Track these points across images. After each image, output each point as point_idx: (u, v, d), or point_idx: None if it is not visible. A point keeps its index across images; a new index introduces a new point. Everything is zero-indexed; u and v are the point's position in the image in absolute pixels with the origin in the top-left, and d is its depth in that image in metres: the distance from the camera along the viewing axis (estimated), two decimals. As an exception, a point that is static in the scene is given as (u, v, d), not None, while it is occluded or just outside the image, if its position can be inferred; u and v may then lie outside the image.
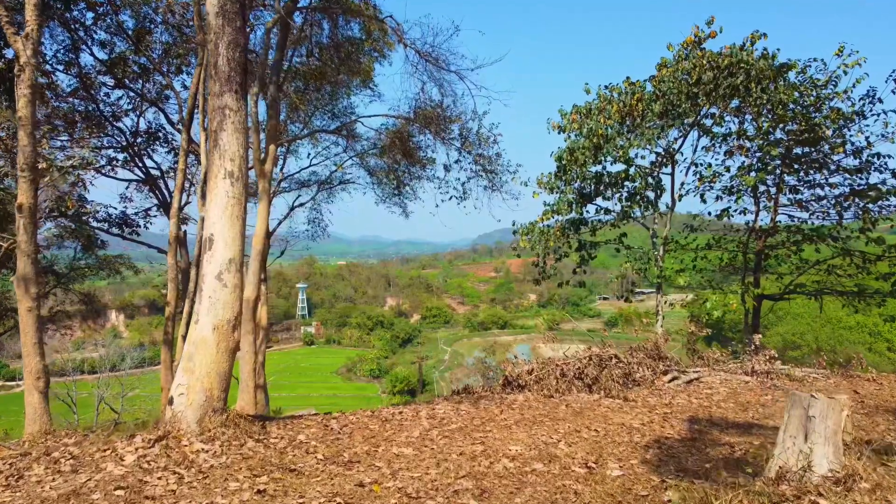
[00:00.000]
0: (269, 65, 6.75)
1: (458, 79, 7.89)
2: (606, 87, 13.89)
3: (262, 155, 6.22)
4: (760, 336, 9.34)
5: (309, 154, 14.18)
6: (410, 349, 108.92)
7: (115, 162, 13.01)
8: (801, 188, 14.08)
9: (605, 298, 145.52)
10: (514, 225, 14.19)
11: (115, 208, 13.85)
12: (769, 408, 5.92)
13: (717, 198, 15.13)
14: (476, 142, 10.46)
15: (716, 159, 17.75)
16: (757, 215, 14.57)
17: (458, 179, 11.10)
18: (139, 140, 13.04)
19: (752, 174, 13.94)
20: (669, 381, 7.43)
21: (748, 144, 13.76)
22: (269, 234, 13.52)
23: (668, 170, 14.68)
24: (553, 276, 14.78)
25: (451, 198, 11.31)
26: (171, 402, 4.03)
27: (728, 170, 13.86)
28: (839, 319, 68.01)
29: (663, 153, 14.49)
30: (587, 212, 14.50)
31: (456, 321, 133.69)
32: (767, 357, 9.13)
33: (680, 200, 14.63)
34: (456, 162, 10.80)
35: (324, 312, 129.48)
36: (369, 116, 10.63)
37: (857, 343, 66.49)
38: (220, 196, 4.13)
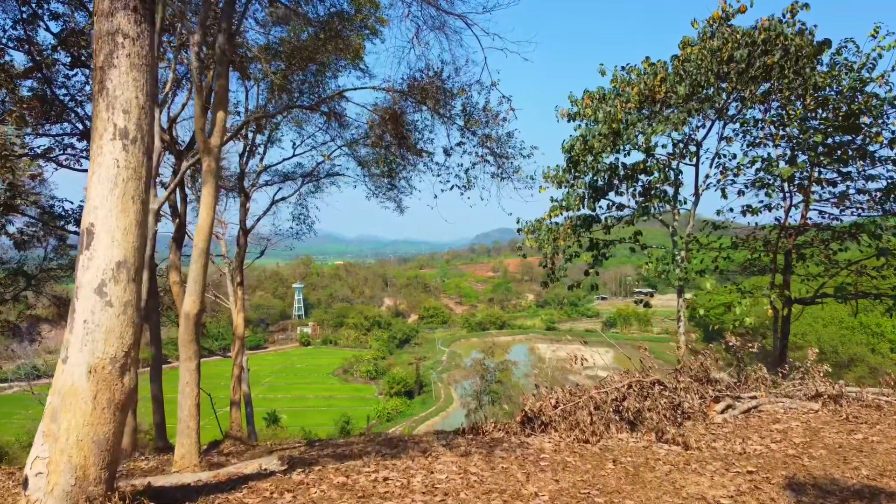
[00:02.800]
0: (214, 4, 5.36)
1: (463, 25, 6.42)
2: (623, 68, 12.49)
3: (208, 126, 4.80)
4: (816, 350, 7.91)
5: (294, 143, 12.78)
6: (408, 350, 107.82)
7: (69, 150, 11.52)
8: (839, 181, 12.70)
9: (603, 298, 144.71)
10: (518, 223, 12.78)
11: (72, 202, 12.37)
12: (872, 456, 4.51)
13: (740, 192, 13.77)
14: (483, 119, 8.96)
15: (741, 149, 16.36)
16: (788, 211, 13.21)
17: (461, 166, 9.58)
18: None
19: (783, 164, 12.59)
20: (723, 411, 6.03)
21: (782, 132, 12.38)
22: (246, 232, 12.12)
23: (689, 161, 13.31)
24: (563, 277, 13.35)
25: (452, 187, 9.81)
26: (25, 484, 2.59)
27: (758, 160, 12.45)
28: (841, 320, 67.03)
29: (683, 143, 13.14)
30: (600, 208, 13.11)
31: (454, 321, 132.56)
32: (823, 374, 7.76)
33: (702, 194, 13.26)
34: (458, 144, 9.30)
35: (320, 313, 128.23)
36: (355, 89, 9.17)
37: (859, 344, 65.46)
38: (105, 166, 2.71)
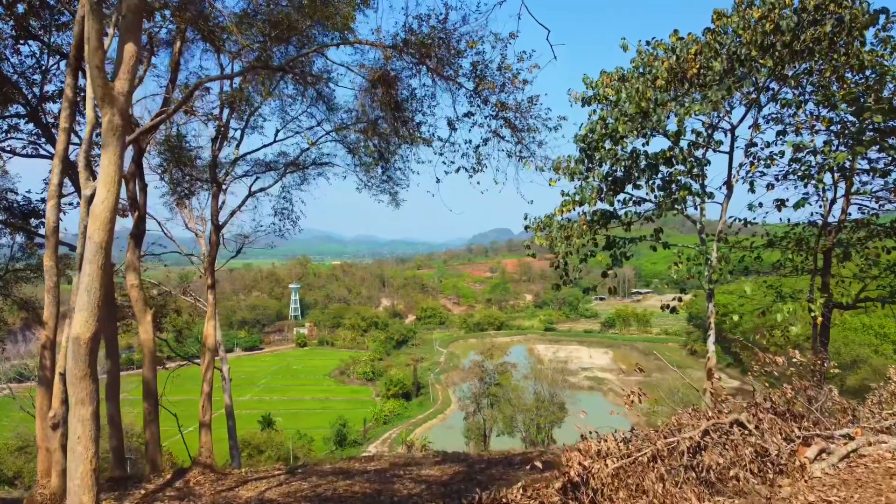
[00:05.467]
0: None
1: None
2: (649, 42, 11.09)
3: (113, 66, 3.38)
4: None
5: (276, 129, 11.26)
6: (405, 351, 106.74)
7: (12, 134, 10.00)
8: (892, 170, 11.33)
9: (601, 299, 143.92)
10: (526, 219, 11.36)
11: (17, 193, 10.86)
12: None
13: (769, 186, 12.40)
14: (498, 82, 7.39)
15: (774, 137, 14.93)
16: (832, 205, 11.82)
17: (469, 143, 8.01)
18: (52, 107, 10.06)
19: (822, 150, 11.25)
20: (815, 458, 4.60)
21: (828, 115, 11.02)
22: (218, 228, 10.65)
23: (715, 149, 11.99)
24: (577, 279, 11.94)
25: (458, 170, 8.22)
26: None
27: (804, 146, 11.05)
28: (844, 321, 66.14)
29: (712, 128, 11.82)
30: (618, 202, 11.74)
31: (451, 322, 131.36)
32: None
33: (734, 186, 11.92)
34: (466, 115, 7.71)
35: (317, 313, 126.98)
36: (338, 45, 7.59)
37: (862, 346, 64.41)
38: None
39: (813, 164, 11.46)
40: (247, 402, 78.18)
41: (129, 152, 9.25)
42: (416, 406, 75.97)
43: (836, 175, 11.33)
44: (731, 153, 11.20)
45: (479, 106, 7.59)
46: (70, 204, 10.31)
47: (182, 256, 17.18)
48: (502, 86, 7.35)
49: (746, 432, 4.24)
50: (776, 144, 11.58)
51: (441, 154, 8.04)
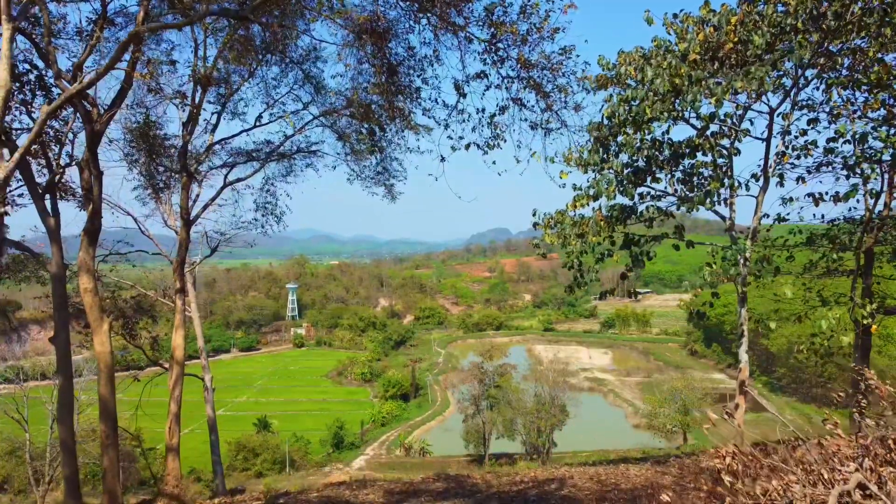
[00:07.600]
0: None
1: None
2: (676, 15, 9.89)
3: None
4: None
5: (259, 114, 10.05)
6: (403, 352, 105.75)
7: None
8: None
9: (601, 299, 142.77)
10: (535, 215, 10.18)
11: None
12: None
13: (800, 179, 11.31)
14: (521, 29, 5.88)
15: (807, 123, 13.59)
16: (877, 199, 10.65)
17: (482, 112, 6.57)
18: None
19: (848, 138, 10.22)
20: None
21: (875, 98, 9.87)
22: (189, 223, 9.43)
23: (740, 140, 10.90)
24: (594, 281, 10.80)
25: (468, 146, 6.77)
26: None
27: (842, 135, 9.89)
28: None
29: (741, 115, 10.69)
30: (639, 196, 10.59)
31: (450, 322, 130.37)
32: None
33: (771, 177, 10.78)
34: (478, 76, 6.22)
35: (314, 313, 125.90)
36: None
37: (865, 346, 63.01)
38: None
39: (850, 153, 10.37)
40: (243, 403, 77.02)
41: (82, 137, 8.03)
42: (415, 408, 74.77)
43: (884, 166, 10.20)
44: (768, 139, 10.03)
45: (495, 63, 6.09)
46: (21, 195, 9.06)
47: (164, 257, 15.96)
48: (526, 35, 5.86)
49: (868, 496, 3.05)
50: (808, 133, 10.50)
51: (446, 126, 6.60)
